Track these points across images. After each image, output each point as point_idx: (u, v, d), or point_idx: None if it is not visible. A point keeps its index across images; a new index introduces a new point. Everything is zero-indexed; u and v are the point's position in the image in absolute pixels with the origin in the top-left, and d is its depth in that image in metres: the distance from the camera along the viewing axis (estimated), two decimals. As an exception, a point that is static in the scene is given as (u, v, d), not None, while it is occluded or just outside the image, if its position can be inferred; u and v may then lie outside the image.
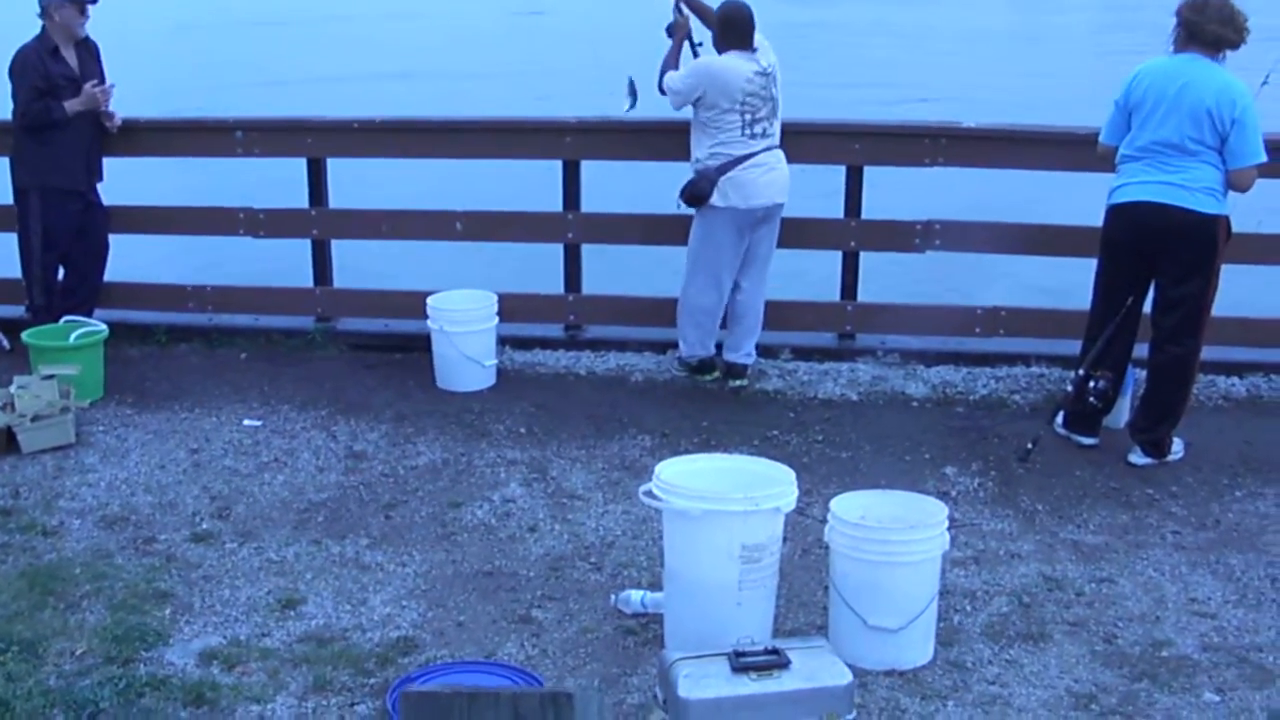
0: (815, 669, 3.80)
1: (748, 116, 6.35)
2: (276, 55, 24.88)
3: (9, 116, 7.02)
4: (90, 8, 6.97)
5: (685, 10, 6.70)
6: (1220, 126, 5.47)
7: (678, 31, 6.70)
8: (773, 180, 6.46)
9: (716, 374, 6.77)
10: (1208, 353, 5.97)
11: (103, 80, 7.13)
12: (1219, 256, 5.63)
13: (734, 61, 6.37)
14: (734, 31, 6.42)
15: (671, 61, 6.64)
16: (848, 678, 3.80)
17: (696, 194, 6.41)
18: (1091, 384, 5.85)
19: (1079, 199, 6.50)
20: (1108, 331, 5.79)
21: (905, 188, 7.92)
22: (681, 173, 6.55)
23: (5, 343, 7.18)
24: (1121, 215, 5.72)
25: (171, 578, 4.84)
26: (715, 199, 6.38)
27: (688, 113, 6.49)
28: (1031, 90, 18.17)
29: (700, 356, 6.75)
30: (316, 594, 4.72)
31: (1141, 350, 5.99)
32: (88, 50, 7.11)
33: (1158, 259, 5.68)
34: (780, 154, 6.50)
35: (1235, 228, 5.68)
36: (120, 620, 4.50)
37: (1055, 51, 25.82)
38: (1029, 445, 5.81)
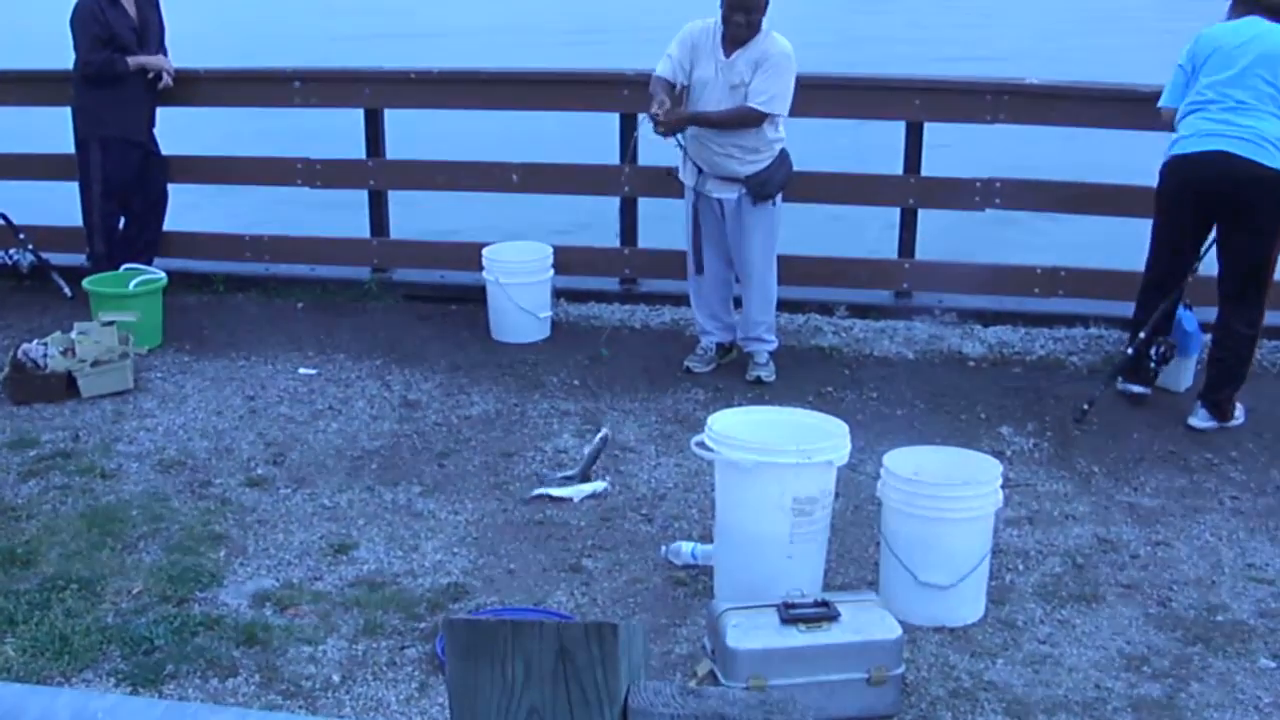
0: (865, 623, 3.79)
1: None
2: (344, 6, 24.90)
3: (70, 67, 7.08)
4: None
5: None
6: None
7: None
8: None
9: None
10: (1270, 317, 5.86)
11: (162, 28, 7.18)
12: None
13: None
14: None
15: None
16: (897, 632, 3.78)
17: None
18: (1154, 349, 5.78)
19: (1142, 157, 6.38)
20: (1175, 295, 5.71)
21: (966, 145, 7.83)
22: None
23: (66, 290, 7.26)
24: (1181, 167, 5.54)
25: (226, 521, 4.89)
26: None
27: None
28: (1096, 53, 17.89)
29: None
30: (369, 540, 4.76)
31: (1204, 313, 5.90)
32: (147, -1, 7.15)
33: (1219, 213, 5.53)
34: None
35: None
36: (176, 561, 4.56)
37: (1122, 19, 25.40)
38: (1085, 406, 5.74)
